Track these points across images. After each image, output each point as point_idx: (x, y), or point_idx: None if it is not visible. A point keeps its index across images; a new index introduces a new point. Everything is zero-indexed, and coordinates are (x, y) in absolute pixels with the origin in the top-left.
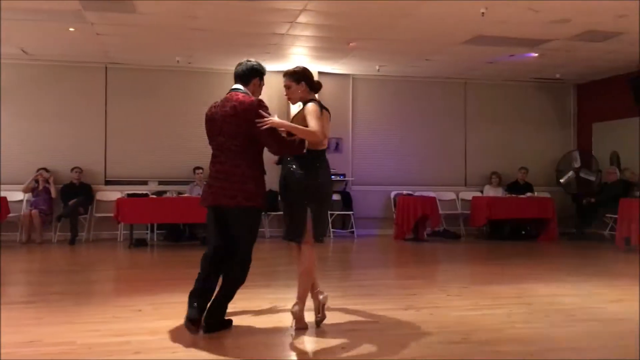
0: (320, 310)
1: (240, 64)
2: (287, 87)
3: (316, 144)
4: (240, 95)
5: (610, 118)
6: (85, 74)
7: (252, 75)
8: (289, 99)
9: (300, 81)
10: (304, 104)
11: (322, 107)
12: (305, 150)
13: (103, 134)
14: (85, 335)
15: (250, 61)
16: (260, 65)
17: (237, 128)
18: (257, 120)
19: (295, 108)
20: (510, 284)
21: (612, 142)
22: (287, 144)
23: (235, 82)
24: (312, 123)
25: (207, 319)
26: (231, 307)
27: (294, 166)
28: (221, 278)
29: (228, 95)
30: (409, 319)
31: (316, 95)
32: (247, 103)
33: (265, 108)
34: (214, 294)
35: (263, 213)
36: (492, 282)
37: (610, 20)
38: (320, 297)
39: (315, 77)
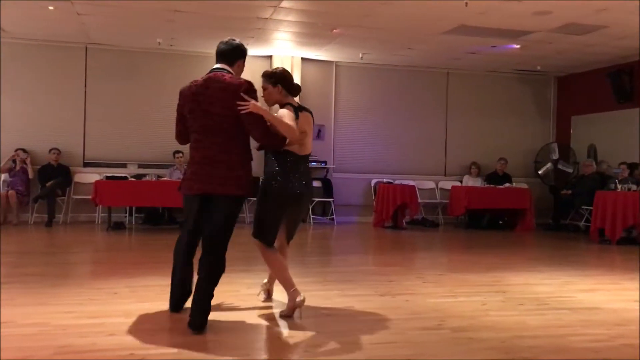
0: (290, 310)
1: (224, 42)
2: (263, 88)
3: (292, 142)
4: (227, 76)
5: (588, 111)
6: (65, 53)
7: (237, 56)
8: (265, 100)
9: (277, 84)
10: (280, 107)
11: (300, 109)
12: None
13: (82, 116)
14: (59, 317)
15: (234, 40)
16: (243, 45)
17: (226, 111)
18: (238, 103)
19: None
20: (486, 272)
21: (590, 135)
22: (271, 135)
23: (218, 61)
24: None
25: (198, 317)
26: None
27: (276, 168)
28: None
29: (212, 74)
30: (385, 305)
31: (296, 99)
32: (237, 84)
33: (254, 92)
34: (193, 290)
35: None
36: (468, 270)
37: (591, 13)
38: (298, 299)
39: (298, 63)
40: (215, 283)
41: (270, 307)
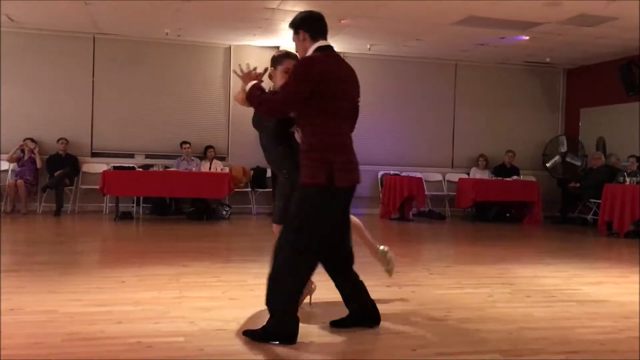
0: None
1: (320, 15)
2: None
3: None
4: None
5: (598, 104)
6: (72, 43)
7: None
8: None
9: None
10: None
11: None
12: None
13: (90, 106)
14: (67, 305)
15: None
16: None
17: (357, 95)
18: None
19: None
20: (493, 264)
21: (599, 127)
22: None
23: (323, 38)
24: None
25: (375, 313)
26: (217, 280)
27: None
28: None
29: (333, 52)
30: (392, 296)
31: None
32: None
33: None
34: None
35: (250, 190)
36: (475, 262)
37: (601, 5)
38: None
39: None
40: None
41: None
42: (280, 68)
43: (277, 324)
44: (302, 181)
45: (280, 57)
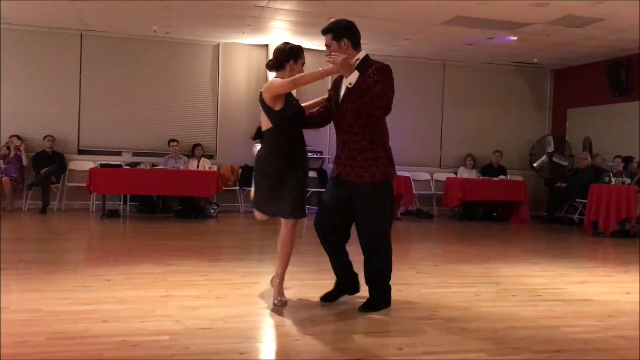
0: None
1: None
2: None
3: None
4: None
5: (584, 104)
6: (60, 40)
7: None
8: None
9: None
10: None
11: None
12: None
13: (77, 103)
14: (52, 303)
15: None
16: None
17: None
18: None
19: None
20: (480, 263)
21: (586, 128)
22: None
23: (360, 48)
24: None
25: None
26: (204, 279)
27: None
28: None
29: None
30: None
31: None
32: None
33: None
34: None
35: (239, 188)
36: (462, 261)
37: (589, 5)
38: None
39: None
40: None
41: (264, 296)
42: (300, 62)
43: (387, 293)
44: (379, 178)
45: (300, 52)
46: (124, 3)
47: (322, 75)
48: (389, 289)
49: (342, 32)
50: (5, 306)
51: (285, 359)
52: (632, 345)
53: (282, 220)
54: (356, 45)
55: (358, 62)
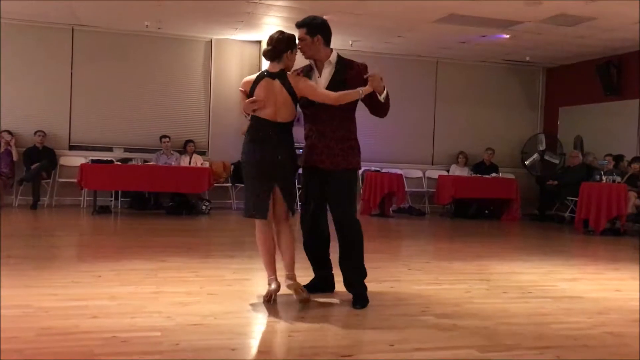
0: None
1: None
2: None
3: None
4: None
5: (576, 103)
6: (51, 34)
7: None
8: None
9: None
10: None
11: (261, 76)
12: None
13: (68, 98)
14: (42, 299)
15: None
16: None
17: None
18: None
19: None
20: (471, 261)
21: (577, 126)
22: None
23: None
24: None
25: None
26: (195, 275)
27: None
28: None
29: None
30: (370, 291)
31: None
32: None
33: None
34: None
35: (231, 185)
36: (453, 258)
37: (581, 4)
38: (273, 285)
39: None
40: None
41: (255, 293)
42: (295, 51)
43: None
44: (354, 165)
45: (295, 42)
46: None
47: (361, 95)
48: (366, 275)
49: (317, 29)
50: None
51: (276, 355)
52: (620, 342)
53: (284, 220)
54: (328, 43)
55: (335, 61)
